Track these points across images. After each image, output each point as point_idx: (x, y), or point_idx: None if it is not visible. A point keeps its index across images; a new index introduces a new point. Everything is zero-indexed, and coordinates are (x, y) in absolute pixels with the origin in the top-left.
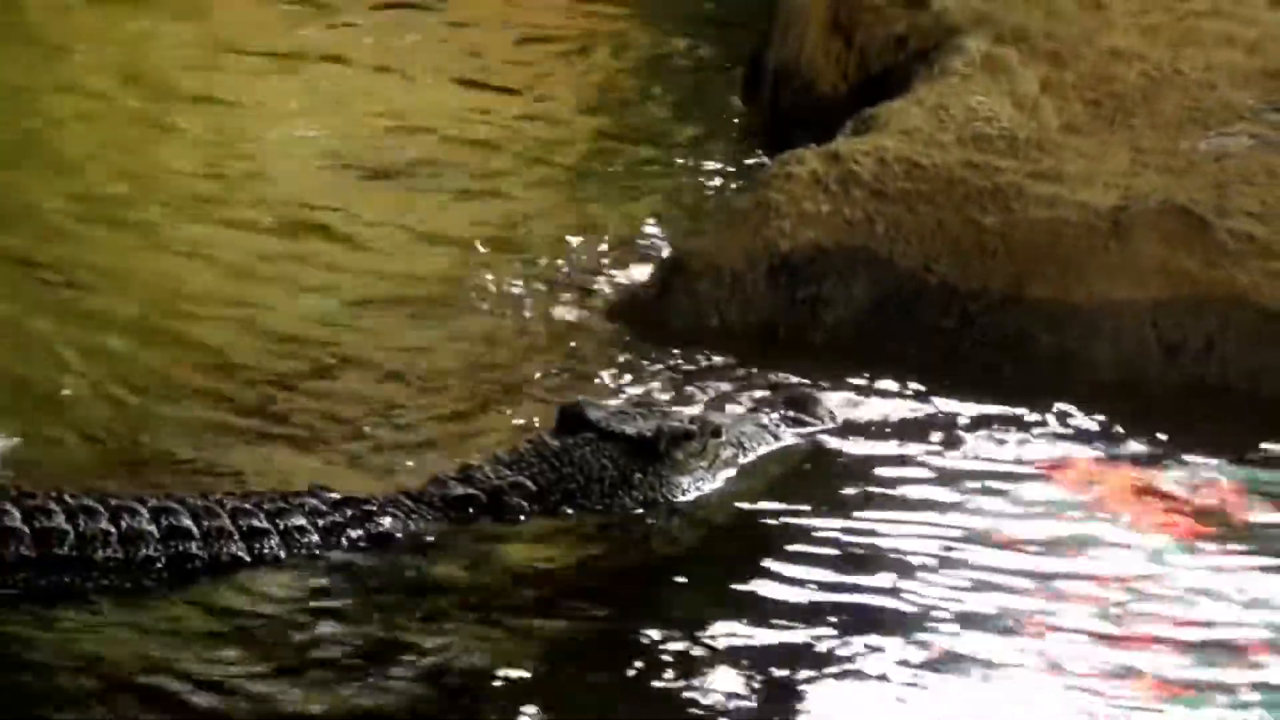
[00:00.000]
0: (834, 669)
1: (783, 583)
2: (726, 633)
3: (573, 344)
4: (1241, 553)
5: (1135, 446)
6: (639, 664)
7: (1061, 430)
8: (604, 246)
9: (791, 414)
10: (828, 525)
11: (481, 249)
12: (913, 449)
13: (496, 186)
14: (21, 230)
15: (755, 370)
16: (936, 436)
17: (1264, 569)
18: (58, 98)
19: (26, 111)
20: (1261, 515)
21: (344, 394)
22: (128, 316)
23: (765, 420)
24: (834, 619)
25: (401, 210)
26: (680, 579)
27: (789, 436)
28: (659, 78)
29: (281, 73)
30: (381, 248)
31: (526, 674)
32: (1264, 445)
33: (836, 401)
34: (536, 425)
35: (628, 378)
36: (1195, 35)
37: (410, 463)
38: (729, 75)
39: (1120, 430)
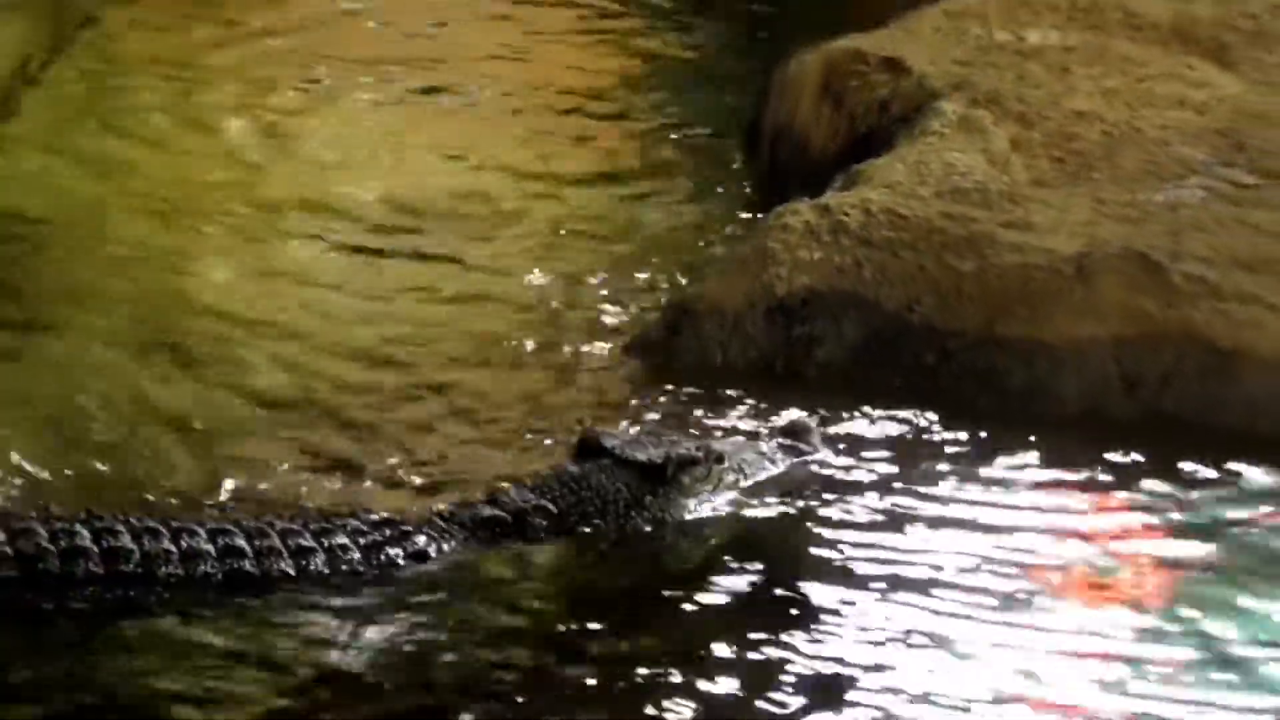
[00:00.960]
0: (821, 672)
1: (779, 596)
2: (726, 640)
3: (591, 379)
4: (1187, 570)
5: (1097, 472)
6: (647, 670)
7: (1031, 456)
8: (620, 292)
9: (788, 442)
10: (821, 543)
11: (509, 297)
12: (897, 473)
13: (521, 243)
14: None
15: (755, 402)
16: (919, 462)
17: (1207, 582)
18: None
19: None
20: (1211, 538)
21: (382, 426)
22: (180, 355)
23: (764, 448)
24: (824, 628)
25: (435, 260)
26: (686, 592)
27: (785, 463)
28: (666, 138)
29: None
30: (418, 294)
31: (545, 678)
32: (1213, 472)
33: (828, 431)
34: (558, 452)
35: (640, 409)
36: (1151, 98)
37: (443, 487)
38: (730, 136)
39: (1083, 457)
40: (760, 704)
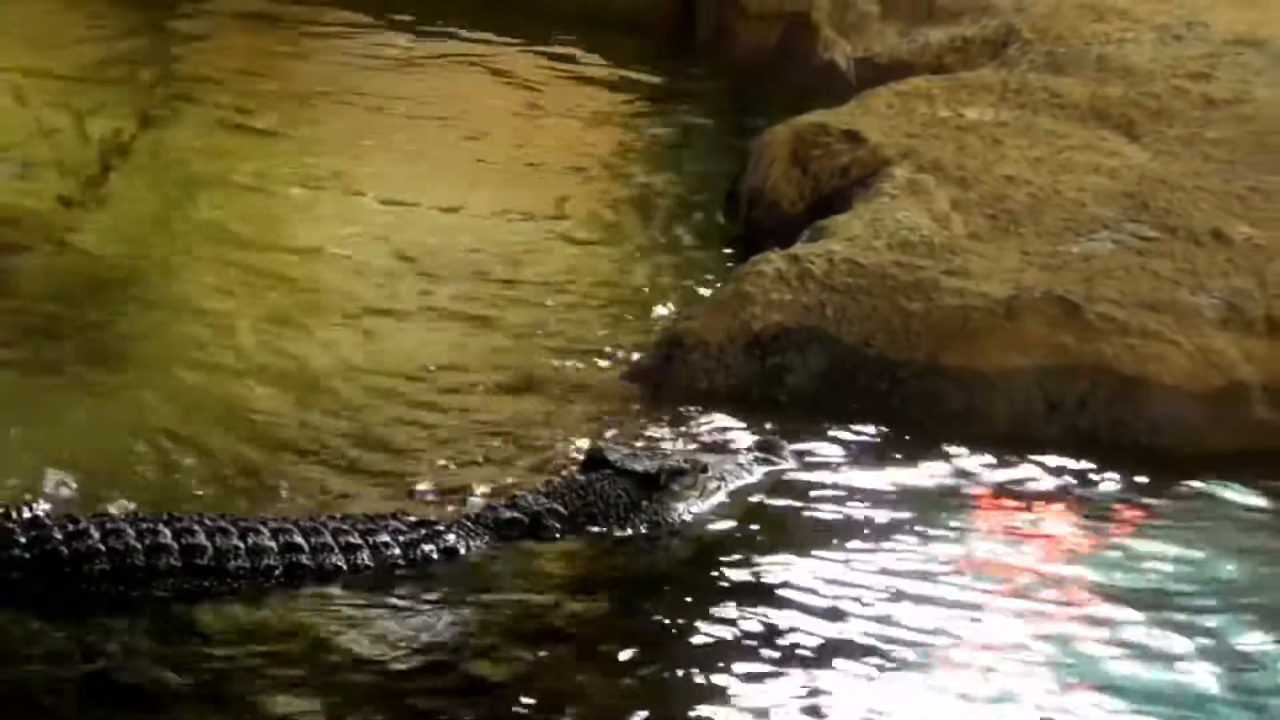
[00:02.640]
0: (794, 656)
1: (754, 587)
2: (708, 627)
3: (595, 402)
4: (1099, 560)
5: (1023, 482)
6: (644, 653)
7: (968, 469)
8: (618, 329)
9: (762, 455)
10: (789, 541)
11: (522, 333)
12: (854, 482)
13: (531, 289)
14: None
15: (734, 422)
16: (872, 473)
17: (1134, 578)
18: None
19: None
20: (1120, 536)
21: (413, 443)
22: (240, 384)
23: (741, 460)
24: (791, 611)
25: (448, 300)
26: (676, 583)
27: (759, 473)
28: (657, 199)
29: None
30: (441, 330)
31: (552, 654)
32: (1121, 481)
33: (796, 446)
34: (568, 464)
35: (637, 428)
36: (1070, 165)
37: (470, 494)
38: (713, 198)
39: (1012, 470)
40: (730, 674)
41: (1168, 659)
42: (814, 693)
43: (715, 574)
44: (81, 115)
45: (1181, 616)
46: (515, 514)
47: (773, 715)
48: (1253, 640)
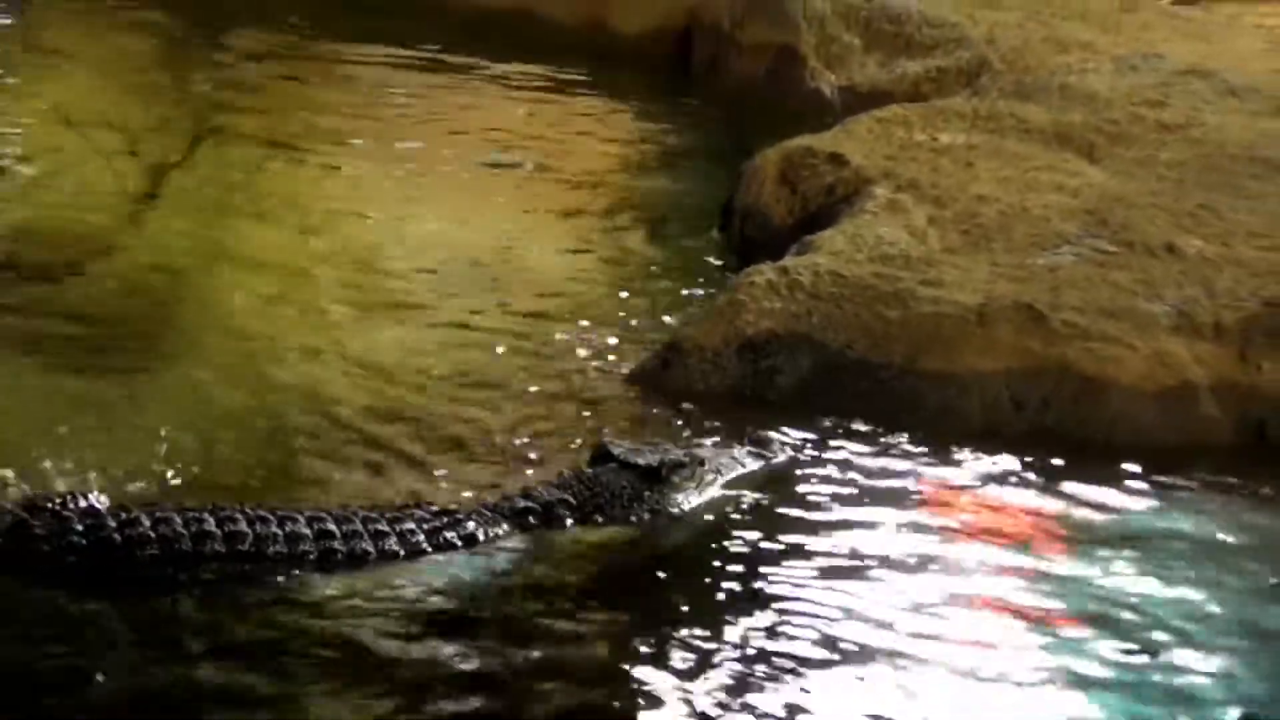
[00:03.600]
0: (779, 629)
1: (745, 569)
2: (702, 602)
3: (601, 402)
4: (1071, 552)
5: (993, 472)
6: (644, 626)
7: (942, 462)
8: (622, 336)
9: (754, 450)
10: (779, 527)
11: (534, 338)
12: (837, 474)
13: (541, 298)
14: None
15: (729, 419)
16: (855, 465)
17: (1093, 562)
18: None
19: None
20: (1080, 524)
21: (437, 440)
22: (275, 385)
23: (736, 454)
24: (779, 590)
25: (468, 308)
26: (675, 567)
27: (752, 466)
28: (659, 215)
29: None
30: (462, 340)
31: (564, 632)
32: (1082, 472)
33: (785, 441)
34: (577, 458)
35: (640, 425)
36: (1036, 184)
37: (487, 486)
38: (710, 214)
39: (983, 463)
40: (721, 642)
41: (1122, 639)
42: (792, 657)
43: (710, 557)
44: (133, 139)
45: (1135, 600)
46: (529, 503)
47: (755, 675)
48: (1197, 618)
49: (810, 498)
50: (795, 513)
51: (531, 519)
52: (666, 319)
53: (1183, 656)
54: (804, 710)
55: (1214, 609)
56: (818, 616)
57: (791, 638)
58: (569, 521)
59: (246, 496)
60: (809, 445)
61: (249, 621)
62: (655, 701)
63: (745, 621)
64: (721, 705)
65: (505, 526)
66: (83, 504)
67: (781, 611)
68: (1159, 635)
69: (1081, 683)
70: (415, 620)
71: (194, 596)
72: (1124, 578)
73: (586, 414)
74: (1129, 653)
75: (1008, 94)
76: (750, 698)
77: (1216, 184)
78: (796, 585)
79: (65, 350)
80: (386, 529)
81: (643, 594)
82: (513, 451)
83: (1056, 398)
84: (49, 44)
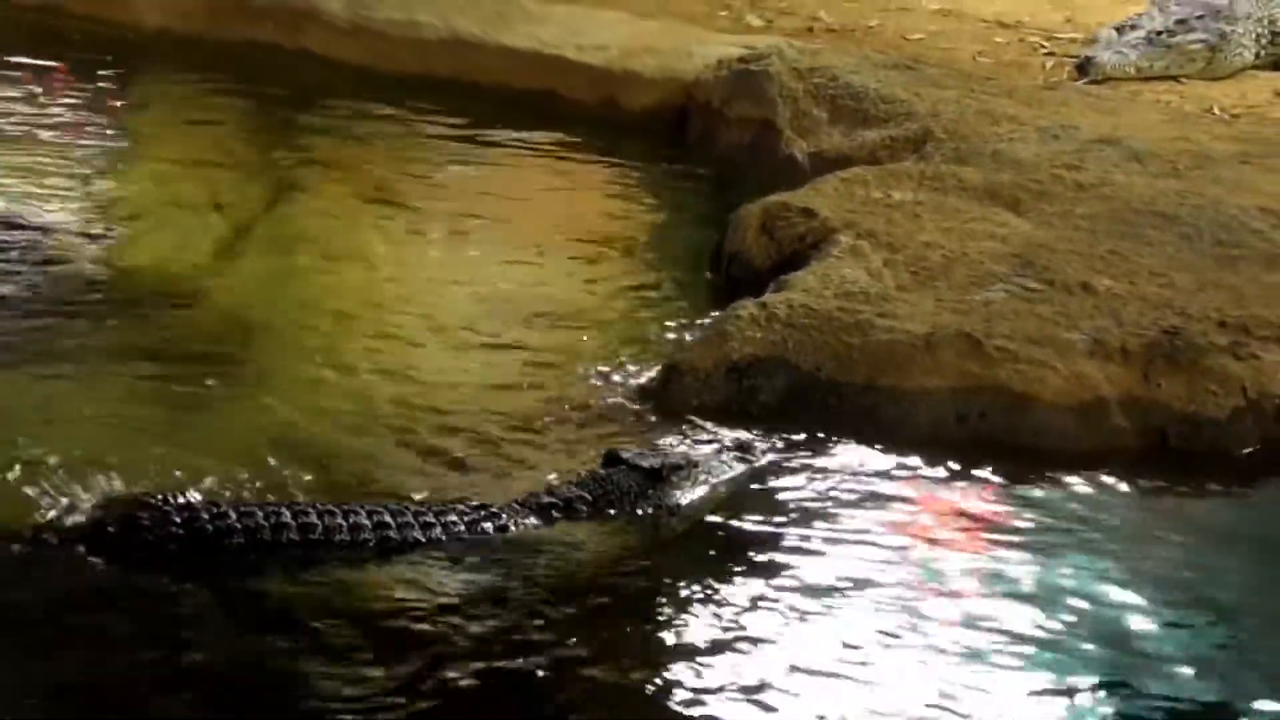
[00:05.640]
0: (758, 605)
1: (732, 553)
2: (696, 583)
3: (611, 416)
4: (1003, 540)
5: (939, 474)
6: (647, 602)
7: (896, 465)
8: (627, 360)
9: (739, 454)
10: (759, 520)
11: (551, 364)
12: (809, 474)
13: (555, 330)
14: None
15: (718, 429)
16: (823, 467)
17: (1024, 548)
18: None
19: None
20: (1012, 515)
21: (477, 447)
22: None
23: (724, 458)
24: (760, 571)
25: (502, 336)
26: (673, 552)
27: (738, 468)
28: (656, 258)
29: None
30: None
31: (582, 606)
32: (1015, 475)
33: (766, 447)
34: (592, 461)
35: (644, 435)
36: (972, 233)
37: (515, 485)
38: (702, 258)
39: (930, 465)
40: (710, 618)
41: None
42: (775, 628)
43: (703, 544)
44: (219, 197)
45: (1057, 579)
46: (553, 499)
47: (741, 646)
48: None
49: (786, 494)
50: (773, 507)
51: (554, 512)
52: (665, 346)
53: (1095, 628)
54: (776, 663)
55: (1124, 585)
56: (792, 590)
57: (769, 611)
58: (585, 514)
59: (316, 495)
60: (785, 450)
61: (317, 596)
62: (653, 660)
63: (728, 591)
64: (701, 658)
65: (532, 519)
66: (180, 501)
67: (760, 585)
68: (1079, 605)
69: (1023, 659)
70: (454, 594)
71: (272, 577)
72: (1048, 559)
73: (600, 424)
74: (1051, 625)
75: (949, 158)
76: (728, 657)
77: (1123, 233)
78: (772, 566)
79: (165, 374)
80: (433, 520)
81: (645, 575)
82: (539, 456)
83: (992, 411)
84: (149, 118)
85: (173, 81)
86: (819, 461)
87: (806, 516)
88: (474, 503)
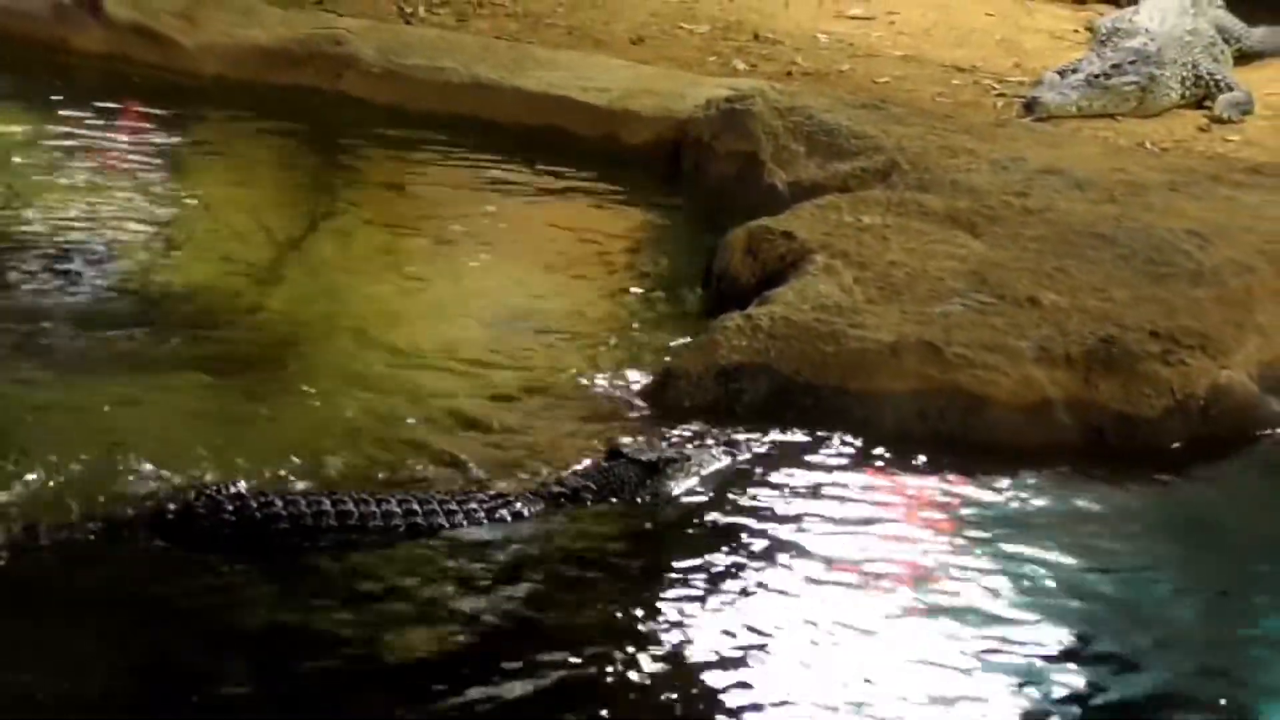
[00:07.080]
0: (741, 587)
1: (719, 538)
2: (687, 563)
3: (612, 416)
4: (962, 527)
5: (903, 468)
6: (645, 581)
7: (866, 459)
8: (626, 366)
9: (727, 450)
10: (744, 508)
11: (556, 369)
12: (788, 467)
13: (560, 340)
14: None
15: (708, 427)
16: (801, 461)
17: (987, 545)
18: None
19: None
20: (969, 504)
21: (497, 443)
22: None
23: (714, 452)
24: (745, 554)
25: (508, 347)
26: (668, 536)
27: (726, 461)
28: (652, 277)
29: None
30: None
31: (589, 583)
32: (972, 468)
33: (750, 442)
34: (596, 455)
35: (643, 432)
36: (933, 253)
37: (527, 476)
38: (694, 276)
39: (897, 460)
40: (700, 601)
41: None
42: (758, 608)
43: (694, 530)
44: (265, 222)
45: (1003, 564)
46: (561, 488)
47: (730, 624)
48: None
49: (768, 485)
50: (756, 497)
51: (563, 500)
52: (661, 354)
53: (1042, 604)
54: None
55: (1067, 566)
56: (769, 566)
57: (749, 595)
58: (590, 502)
59: (353, 485)
60: (767, 446)
61: (354, 576)
62: (648, 629)
63: (715, 569)
64: (691, 633)
65: (543, 506)
66: (231, 490)
67: (743, 563)
68: (1028, 584)
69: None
70: (475, 574)
71: (313, 558)
72: (1000, 543)
73: (604, 422)
74: (1002, 601)
75: (912, 187)
76: (713, 629)
77: (1066, 253)
78: (753, 546)
79: (216, 381)
80: (456, 508)
81: (643, 556)
82: (550, 450)
83: (950, 411)
84: (204, 153)
85: (226, 121)
86: (798, 455)
87: (786, 503)
88: (492, 491)
